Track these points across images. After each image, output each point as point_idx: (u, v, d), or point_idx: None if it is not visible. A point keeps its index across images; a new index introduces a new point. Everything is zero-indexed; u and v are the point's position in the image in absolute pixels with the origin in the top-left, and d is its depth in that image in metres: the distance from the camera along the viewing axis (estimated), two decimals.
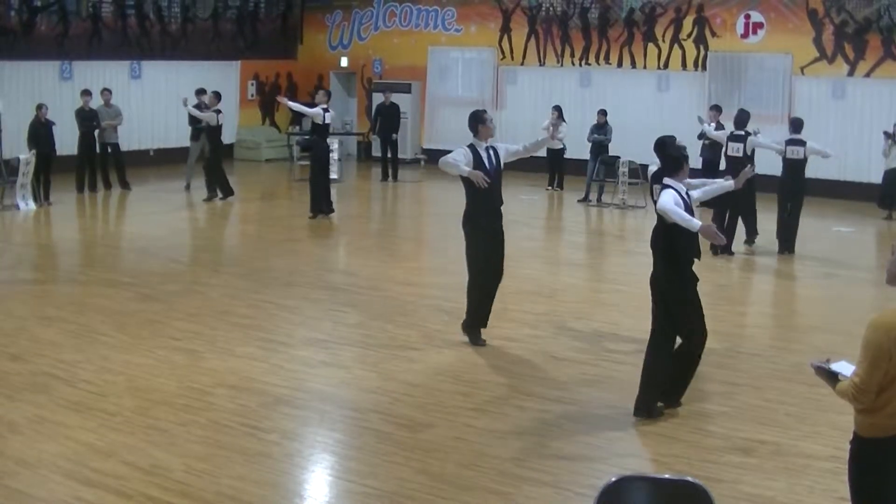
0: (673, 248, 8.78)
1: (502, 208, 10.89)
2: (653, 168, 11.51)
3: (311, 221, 19.14)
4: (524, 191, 23.29)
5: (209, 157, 21.35)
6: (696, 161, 21.18)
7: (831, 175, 22.23)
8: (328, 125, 19.47)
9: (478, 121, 10.75)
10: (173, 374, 9.95)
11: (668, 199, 8.59)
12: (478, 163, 10.53)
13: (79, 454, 7.87)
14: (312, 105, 19.47)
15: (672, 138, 10.01)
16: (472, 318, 11.12)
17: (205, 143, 21.46)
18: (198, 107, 21.68)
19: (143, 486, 7.31)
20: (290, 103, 20.05)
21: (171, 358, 10.45)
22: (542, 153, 23.03)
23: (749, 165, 11.21)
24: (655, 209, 8.75)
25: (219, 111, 21.14)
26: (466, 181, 10.53)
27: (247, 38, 29.34)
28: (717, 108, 20.77)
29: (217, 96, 21.44)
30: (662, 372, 8.89)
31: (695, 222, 8.47)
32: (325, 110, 19.16)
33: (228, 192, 21.45)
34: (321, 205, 19.42)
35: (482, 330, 11.15)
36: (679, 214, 8.51)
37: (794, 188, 16.30)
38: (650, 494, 5.01)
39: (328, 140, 19.94)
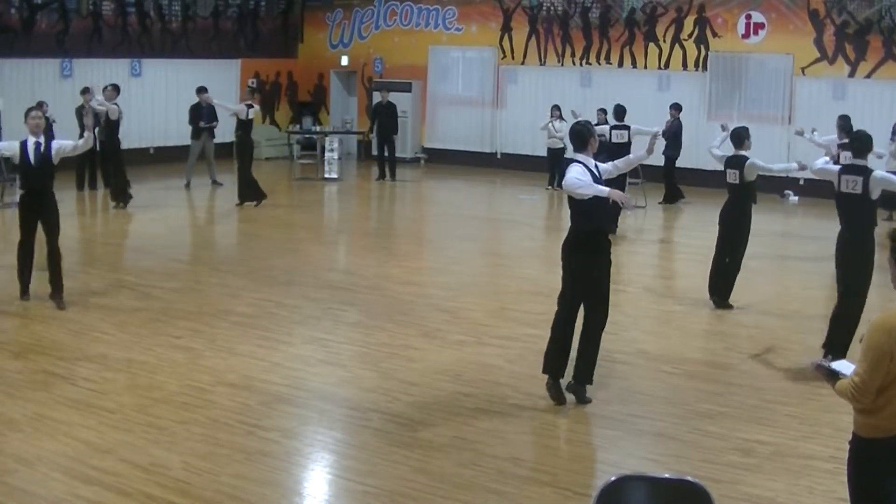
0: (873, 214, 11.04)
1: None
2: (717, 152, 13.28)
3: (238, 208, 20.14)
4: (524, 190, 23.29)
5: (105, 151, 20.43)
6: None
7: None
8: (251, 121, 20.31)
9: (590, 134, 9.32)
10: (173, 372, 9.95)
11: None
12: (594, 181, 9.11)
13: (78, 452, 7.87)
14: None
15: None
16: (554, 361, 9.36)
17: (108, 138, 20.17)
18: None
19: (142, 484, 7.31)
20: (216, 102, 21.59)
21: (170, 356, 10.45)
22: (542, 152, 23.14)
23: None
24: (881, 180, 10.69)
25: (117, 105, 20.21)
26: (582, 203, 9.11)
27: (247, 37, 29.33)
28: (677, 107, 21.11)
29: (116, 89, 20.42)
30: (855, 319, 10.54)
31: None
32: (250, 106, 20.14)
33: (127, 196, 20.16)
34: (248, 194, 20.26)
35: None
36: None
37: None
38: (649, 494, 5.01)
39: (253, 136, 20.82)
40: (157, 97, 26.37)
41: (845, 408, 5.48)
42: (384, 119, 24.91)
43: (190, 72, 26.35)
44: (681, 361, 10.62)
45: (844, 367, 5.43)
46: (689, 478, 5.14)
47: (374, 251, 16.81)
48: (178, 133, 24.31)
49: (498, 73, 27.52)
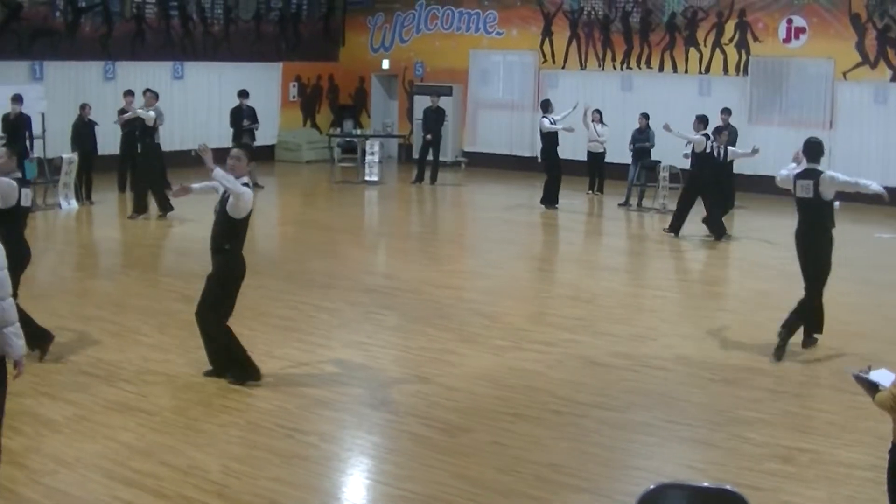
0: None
1: None
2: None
3: (132, 221, 18.99)
4: (564, 194, 23.20)
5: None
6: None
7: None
8: (157, 128, 19.21)
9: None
10: None
11: None
12: None
13: (118, 454, 7.92)
14: None
15: None
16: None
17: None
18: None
19: (180, 486, 7.35)
20: (126, 115, 19.80)
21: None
22: (583, 156, 23.06)
23: None
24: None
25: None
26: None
27: (289, 40, 29.44)
28: (727, 112, 20.69)
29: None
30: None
31: None
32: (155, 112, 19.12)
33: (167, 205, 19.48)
34: (143, 206, 19.13)
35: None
36: None
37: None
38: (688, 502, 4.98)
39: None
40: (198, 100, 26.51)
41: (886, 415, 5.43)
42: (433, 123, 24.91)
43: (232, 75, 26.50)
44: (720, 368, 10.55)
45: (884, 377, 5.38)
46: (729, 486, 5.11)
47: (414, 255, 16.82)
48: (220, 135, 24.40)
49: (538, 77, 27.48)
